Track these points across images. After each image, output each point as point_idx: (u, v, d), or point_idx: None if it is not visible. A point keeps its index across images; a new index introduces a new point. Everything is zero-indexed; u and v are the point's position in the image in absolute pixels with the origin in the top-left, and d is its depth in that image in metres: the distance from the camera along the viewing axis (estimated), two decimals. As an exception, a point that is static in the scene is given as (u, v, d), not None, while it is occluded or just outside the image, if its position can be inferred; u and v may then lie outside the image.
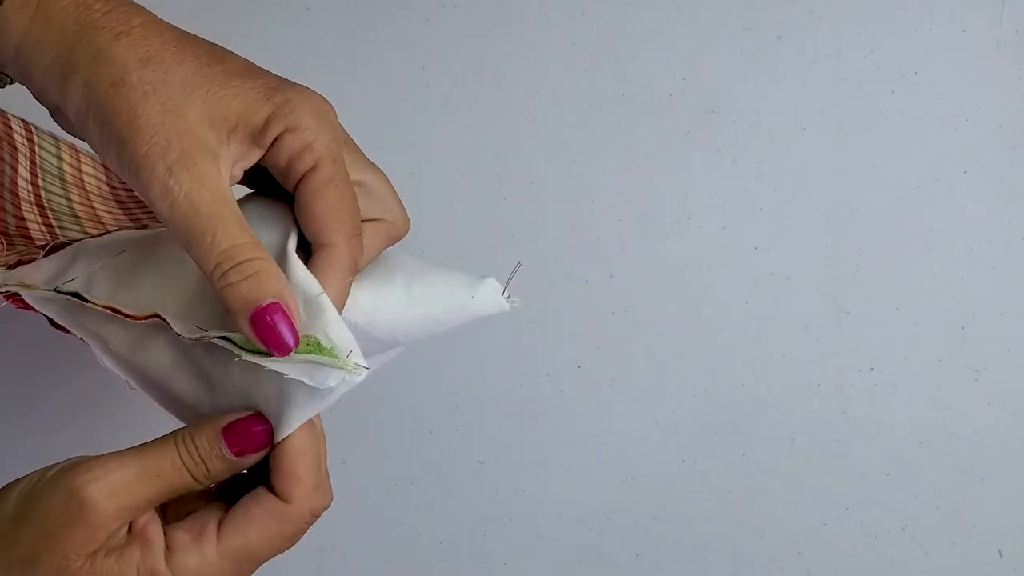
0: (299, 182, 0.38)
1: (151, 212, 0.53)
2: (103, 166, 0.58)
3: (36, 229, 0.52)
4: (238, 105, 0.37)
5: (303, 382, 0.35)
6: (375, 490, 0.70)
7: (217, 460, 0.37)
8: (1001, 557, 0.69)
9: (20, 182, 0.54)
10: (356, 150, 0.41)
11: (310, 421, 0.37)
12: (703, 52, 0.68)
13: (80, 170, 0.57)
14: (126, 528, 0.36)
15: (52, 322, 0.44)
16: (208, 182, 0.35)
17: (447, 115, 0.69)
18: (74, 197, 0.55)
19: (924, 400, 0.68)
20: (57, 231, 0.52)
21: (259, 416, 0.37)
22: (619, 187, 0.69)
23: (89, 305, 0.40)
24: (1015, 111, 0.67)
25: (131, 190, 0.57)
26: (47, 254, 0.45)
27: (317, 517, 0.38)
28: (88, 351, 0.44)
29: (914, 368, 0.68)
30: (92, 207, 0.56)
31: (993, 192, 0.67)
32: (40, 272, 0.43)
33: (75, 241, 0.45)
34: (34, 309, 0.44)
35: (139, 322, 0.39)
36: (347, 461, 0.70)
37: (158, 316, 0.39)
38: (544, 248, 0.69)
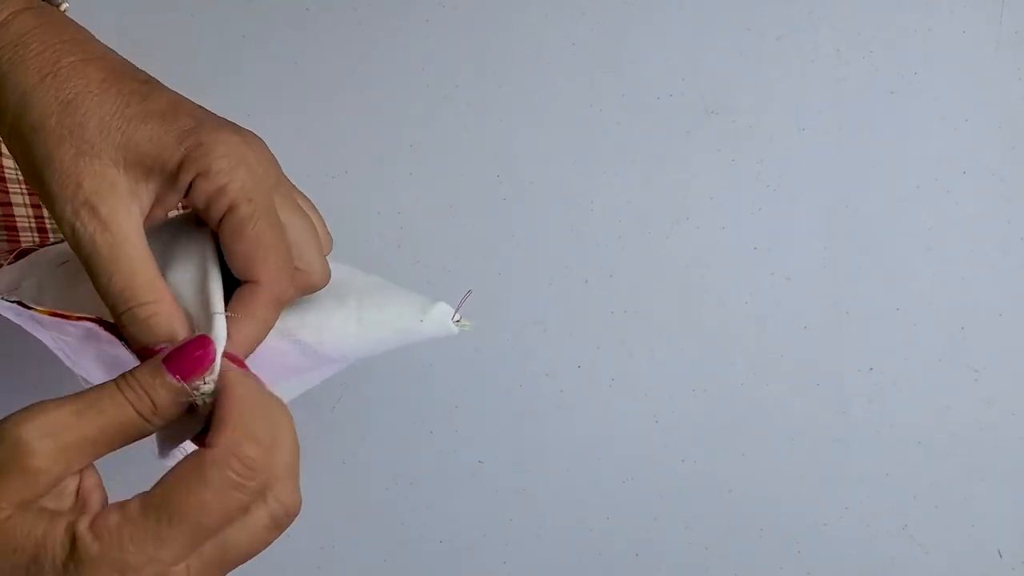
0: (219, 223, 0.38)
1: None
2: None
3: (23, 216, 0.51)
4: (152, 149, 0.37)
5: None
6: (375, 490, 0.70)
7: (160, 388, 0.36)
8: (1000, 557, 0.69)
9: (6, 162, 0.54)
10: (286, 192, 0.41)
11: (252, 376, 0.37)
12: (703, 52, 0.68)
13: None
14: (73, 489, 0.35)
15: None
16: (112, 224, 0.37)
17: (447, 115, 0.69)
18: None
19: (924, 400, 0.68)
20: (46, 219, 0.52)
21: (201, 338, 0.37)
22: (619, 187, 0.69)
23: (30, 313, 0.41)
24: (1015, 111, 0.67)
25: None
26: (12, 261, 0.46)
27: (248, 472, 0.34)
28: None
29: (914, 368, 0.68)
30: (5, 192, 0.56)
31: (993, 192, 0.67)
32: (1, 279, 0.45)
33: (32, 250, 0.46)
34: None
35: (77, 323, 0.40)
36: (347, 461, 0.70)
37: (97, 321, 0.39)
38: (544, 248, 0.69)
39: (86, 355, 0.43)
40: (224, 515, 0.34)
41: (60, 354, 0.44)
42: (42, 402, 0.35)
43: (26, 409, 0.34)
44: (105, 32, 0.67)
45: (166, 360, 0.36)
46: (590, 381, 0.69)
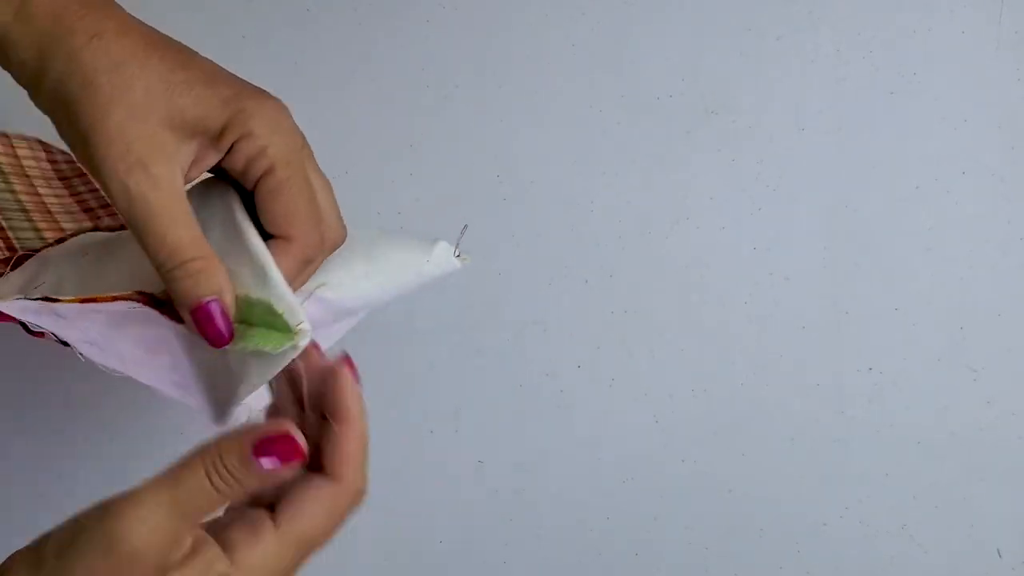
0: (256, 184, 0.41)
1: (92, 186, 0.56)
2: (39, 144, 0.58)
3: None
4: (197, 112, 0.39)
5: (262, 350, 0.38)
6: (376, 490, 0.70)
7: (251, 476, 0.36)
8: (1000, 557, 0.69)
9: None
10: (310, 157, 0.43)
11: (363, 410, 0.39)
12: (703, 52, 0.68)
13: (16, 155, 0.56)
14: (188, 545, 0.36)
15: (27, 330, 0.45)
16: (162, 183, 0.39)
17: (447, 115, 0.69)
18: (18, 187, 0.55)
19: (923, 400, 0.68)
20: (9, 233, 0.52)
21: (287, 435, 0.37)
22: (619, 187, 0.69)
23: (61, 304, 0.41)
24: (1014, 111, 0.67)
25: (71, 160, 0.58)
26: (13, 267, 0.46)
27: (362, 500, 0.39)
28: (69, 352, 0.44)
29: (913, 368, 0.68)
30: (38, 194, 0.56)
31: (992, 192, 0.67)
32: (8, 285, 0.45)
33: (37, 251, 0.47)
34: (9, 318, 0.44)
35: (113, 303, 0.41)
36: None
37: (136, 295, 0.41)
38: (544, 248, 0.69)
39: (121, 340, 0.43)
40: (337, 531, 0.39)
41: (86, 347, 0.44)
42: (134, 501, 0.35)
43: (120, 511, 0.35)
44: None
45: (256, 449, 0.36)
46: (590, 381, 0.69)
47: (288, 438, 0.37)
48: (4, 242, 0.52)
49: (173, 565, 0.35)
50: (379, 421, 0.70)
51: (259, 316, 0.39)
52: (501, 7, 0.69)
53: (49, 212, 0.55)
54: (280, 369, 0.39)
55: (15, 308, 0.42)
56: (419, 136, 0.69)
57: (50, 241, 0.51)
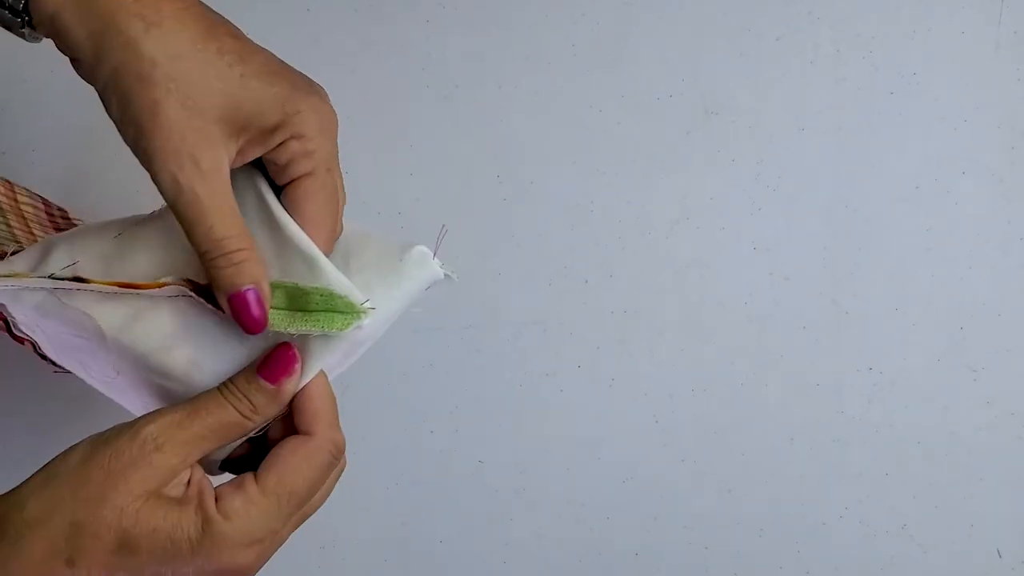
0: (293, 181, 0.43)
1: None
2: (40, 197, 0.58)
3: None
4: (252, 108, 0.40)
5: (329, 333, 0.41)
6: (375, 490, 0.70)
7: (257, 392, 0.41)
8: (1000, 557, 0.69)
9: None
10: (337, 166, 0.45)
11: (322, 372, 0.43)
12: (703, 53, 0.68)
13: (16, 200, 0.57)
14: (185, 480, 0.40)
15: (10, 332, 0.44)
16: (210, 176, 0.40)
17: (447, 115, 0.69)
18: (13, 223, 0.55)
19: (923, 400, 0.68)
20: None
21: (286, 346, 0.42)
22: (619, 187, 0.69)
23: (89, 287, 0.43)
24: (1014, 111, 0.67)
25: (67, 217, 0.59)
26: (14, 252, 0.46)
27: (340, 453, 0.43)
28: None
29: (913, 368, 0.68)
30: (33, 234, 0.56)
31: (992, 192, 0.68)
32: (17, 265, 0.45)
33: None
34: (4, 332, 0.44)
35: (150, 291, 0.42)
36: (347, 461, 0.70)
37: (185, 282, 0.42)
38: (544, 248, 0.69)
39: (140, 325, 0.43)
40: (319, 486, 0.42)
41: (87, 337, 0.44)
42: (159, 409, 0.41)
43: (147, 414, 0.40)
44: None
45: (259, 369, 0.41)
46: (590, 381, 0.69)
47: (283, 349, 0.41)
48: None
49: (178, 492, 0.40)
50: (379, 421, 0.70)
51: (318, 302, 0.41)
52: (501, 7, 0.69)
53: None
54: (341, 350, 0.42)
55: (15, 294, 0.43)
56: (419, 136, 0.69)
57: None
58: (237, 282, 0.41)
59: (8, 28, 0.41)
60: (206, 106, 0.39)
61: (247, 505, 0.40)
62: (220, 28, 0.41)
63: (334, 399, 0.43)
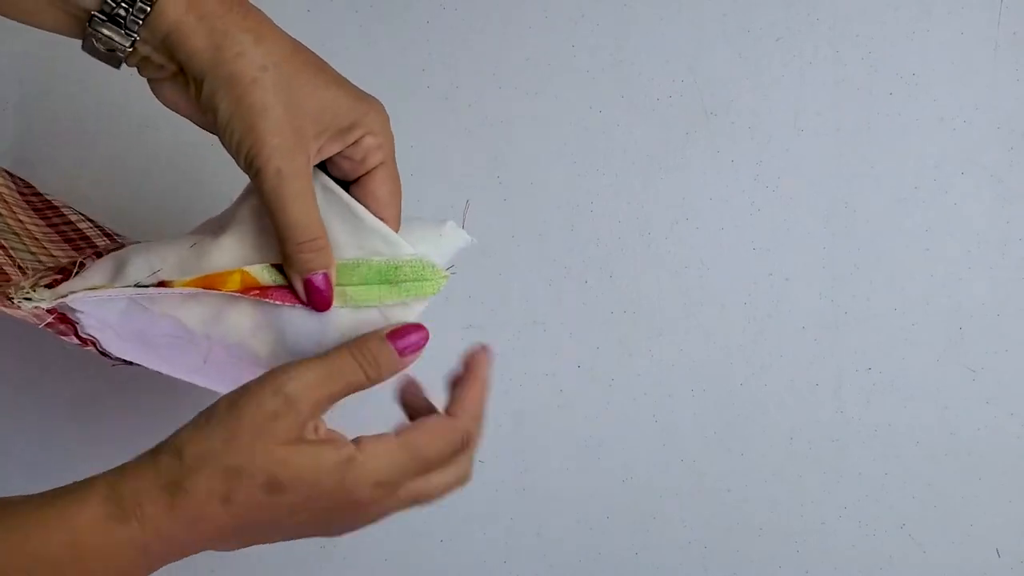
0: (368, 172, 0.48)
1: (67, 218, 0.60)
2: (7, 173, 0.60)
3: None
4: (335, 110, 0.46)
5: (421, 298, 0.48)
6: (375, 490, 0.70)
7: (385, 357, 0.47)
8: (999, 556, 0.69)
9: None
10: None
11: (488, 374, 0.50)
12: (702, 54, 0.68)
13: None
14: (314, 428, 0.44)
15: (78, 336, 0.48)
16: (302, 171, 0.46)
17: (447, 116, 0.69)
18: (2, 211, 0.56)
19: (922, 400, 0.69)
20: (7, 247, 0.53)
21: (420, 327, 0.48)
22: (619, 188, 0.69)
23: (172, 291, 0.47)
24: (1013, 112, 0.67)
25: (38, 193, 0.61)
26: (82, 266, 0.50)
27: (469, 445, 0.48)
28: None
29: (912, 368, 0.69)
30: (20, 220, 0.57)
31: (991, 193, 0.68)
32: (94, 277, 0.49)
33: (108, 252, 0.50)
34: (70, 334, 0.48)
35: (232, 294, 0.47)
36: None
37: (248, 284, 0.48)
38: (544, 248, 0.69)
39: (224, 322, 0.49)
40: (441, 462, 0.47)
41: (177, 335, 0.49)
42: (296, 363, 0.45)
43: (285, 369, 0.44)
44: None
45: (390, 335, 0.47)
46: (590, 381, 0.69)
47: (417, 326, 0.48)
48: (4, 254, 0.52)
49: (313, 437, 0.44)
50: (379, 421, 0.70)
51: (408, 273, 0.48)
52: (501, 7, 0.69)
53: (35, 238, 0.56)
54: (415, 314, 0.49)
55: (97, 303, 0.47)
56: (419, 136, 0.69)
57: (56, 263, 0.52)
58: (312, 266, 0.47)
59: (107, 48, 0.46)
60: (303, 108, 0.45)
61: (384, 447, 0.45)
62: (300, 44, 0.47)
63: (484, 400, 0.50)
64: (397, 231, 0.49)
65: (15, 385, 0.70)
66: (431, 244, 0.50)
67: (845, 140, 0.68)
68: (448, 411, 0.49)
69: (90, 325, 0.48)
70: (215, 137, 0.47)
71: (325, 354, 0.46)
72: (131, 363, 0.50)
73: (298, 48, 0.47)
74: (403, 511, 0.47)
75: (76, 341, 0.48)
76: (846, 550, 0.70)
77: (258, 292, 0.48)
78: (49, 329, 0.47)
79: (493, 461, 0.70)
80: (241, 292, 0.48)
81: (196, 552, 0.44)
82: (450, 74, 0.69)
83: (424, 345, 0.48)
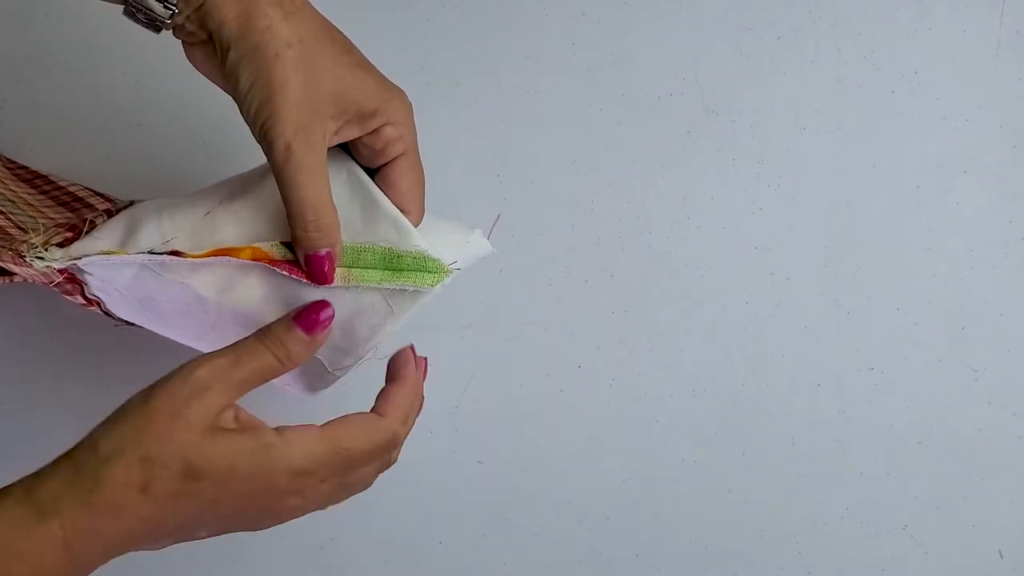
0: (389, 162, 0.49)
1: (57, 184, 0.60)
2: None
3: None
4: (357, 94, 0.47)
5: (421, 289, 0.48)
6: (375, 490, 0.70)
7: (292, 340, 0.46)
8: (1001, 557, 0.69)
9: None
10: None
11: (417, 376, 0.50)
12: (703, 52, 0.68)
13: None
14: (233, 416, 0.44)
15: (84, 295, 0.49)
16: (316, 149, 0.46)
17: (447, 115, 0.69)
18: None
19: (924, 400, 0.68)
20: (7, 211, 0.53)
21: (323, 303, 0.48)
22: (619, 187, 0.69)
23: (185, 259, 0.48)
24: (1015, 111, 0.67)
25: (25, 167, 0.63)
26: (92, 224, 0.50)
27: (396, 445, 0.48)
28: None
29: (914, 368, 0.68)
30: (11, 189, 0.58)
31: (993, 192, 0.67)
32: (106, 238, 0.49)
33: (118, 211, 0.51)
34: (78, 295, 0.48)
35: (241, 261, 0.48)
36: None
37: (260, 254, 0.49)
38: (544, 248, 0.69)
39: (233, 291, 0.49)
40: (365, 461, 0.46)
41: (187, 301, 0.49)
42: (207, 354, 0.45)
43: (195, 360, 0.44)
44: (105, 32, 0.67)
45: (296, 317, 0.47)
46: (590, 381, 0.69)
47: (323, 303, 0.47)
48: (4, 217, 0.52)
49: (229, 425, 0.44)
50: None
51: (411, 263, 0.48)
52: (501, 7, 0.69)
53: (30, 204, 0.56)
54: (421, 303, 0.49)
55: (112, 267, 0.48)
56: (419, 136, 0.68)
57: (59, 221, 0.52)
58: (319, 244, 0.47)
59: (147, 17, 0.46)
60: (323, 85, 0.45)
61: (305, 436, 0.45)
62: (331, 25, 0.47)
63: (415, 405, 0.49)
64: (419, 222, 0.50)
65: (15, 384, 0.70)
66: (454, 247, 0.51)
67: (847, 139, 0.68)
68: (375, 410, 0.48)
69: (98, 287, 0.48)
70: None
71: (236, 342, 0.46)
72: (133, 324, 0.51)
73: (327, 27, 0.47)
74: (330, 506, 0.47)
75: (81, 301, 0.49)
76: (848, 551, 0.69)
77: (268, 264, 0.48)
78: (55, 288, 0.47)
79: (493, 461, 0.70)
80: (253, 261, 0.48)
81: (125, 550, 0.43)
82: (450, 73, 0.69)
83: (330, 321, 0.48)
